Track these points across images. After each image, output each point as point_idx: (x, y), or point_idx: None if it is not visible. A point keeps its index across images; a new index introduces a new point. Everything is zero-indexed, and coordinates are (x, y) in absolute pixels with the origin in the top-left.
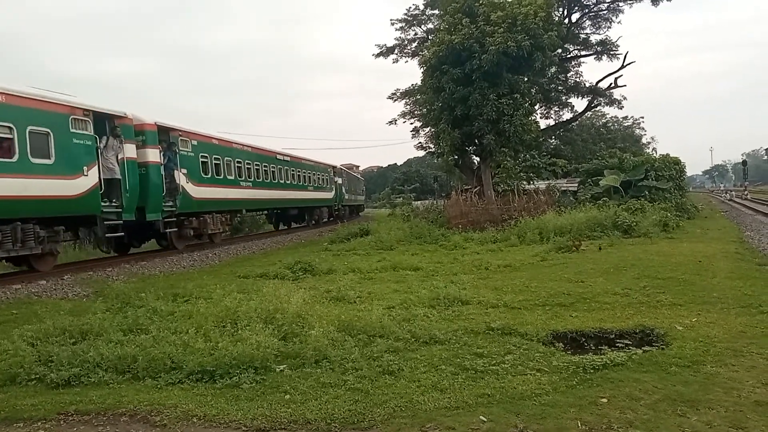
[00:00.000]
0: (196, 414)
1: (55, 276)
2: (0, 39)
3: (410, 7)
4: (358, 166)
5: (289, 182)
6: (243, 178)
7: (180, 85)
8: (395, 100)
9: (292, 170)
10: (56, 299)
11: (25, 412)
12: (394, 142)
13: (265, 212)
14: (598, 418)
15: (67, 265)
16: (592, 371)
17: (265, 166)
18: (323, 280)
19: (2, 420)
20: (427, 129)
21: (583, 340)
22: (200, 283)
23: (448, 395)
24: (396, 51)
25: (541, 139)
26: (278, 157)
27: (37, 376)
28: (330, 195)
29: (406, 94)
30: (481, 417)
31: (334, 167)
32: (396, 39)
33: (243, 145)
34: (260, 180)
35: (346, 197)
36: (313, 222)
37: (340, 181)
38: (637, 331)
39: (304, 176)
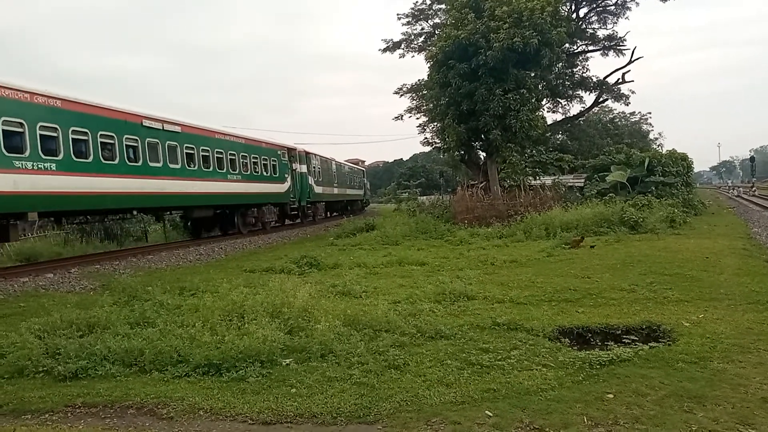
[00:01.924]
0: (203, 407)
1: (62, 269)
2: (6, 35)
3: (417, 2)
4: (364, 161)
5: (180, 167)
6: (28, 155)
7: (183, 82)
8: (401, 96)
9: (190, 148)
10: (63, 292)
11: (33, 405)
12: (400, 137)
13: (126, 215)
14: (604, 414)
15: (74, 259)
16: (598, 367)
17: (106, 138)
18: (329, 275)
19: (10, 412)
20: (434, 124)
21: (590, 335)
22: (207, 277)
23: (453, 390)
24: (402, 46)
25: (547, 135)
26: (146, 123)
27: (45, 368)
28: (281, 188)
29: (413, 89)
30: (486, 412)
31: (290, 149)
32: (402, 34)
33: (24, 92)
34: (88, 160)
35: (318, 190)
36: (256, 226)
37: (303, 169)
38: (644, 327)
39: (222, 159)
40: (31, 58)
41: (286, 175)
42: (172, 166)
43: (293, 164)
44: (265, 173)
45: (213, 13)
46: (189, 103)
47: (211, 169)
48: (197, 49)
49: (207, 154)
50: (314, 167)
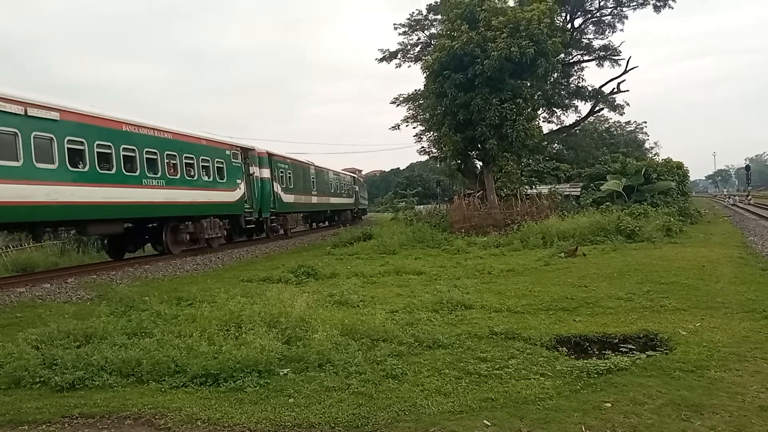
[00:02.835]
0: (200, 417)
1: (59, 279)
2: (7, 41)
3: (413, 12)
4: (361, 170)
5: (58, 167)
6: None
7: (183, 89)
8: (398, 105)
9: (77, 143)
10: (60, 303)
11: (30, 415)
12: (397, 146)
13: None
14: (602, 423)
15: (71, 269)
16: (595, 376)
17: None
18: (326, 284)
19: (7, 423)
20: (430, 133)
21: (587, 344)
22: (204, 287)
23: (451, 399)
24: (399, 56)
25: (544, 144)
26: None
27: (42, 379)
28: (231, 196)
29: (409, 98)
30: (484, 421)
31: (245, 149)
32: (399, 44)
33: None
34: None
35: (288, 199)
36: (198, 243)
37: (266, 174)
38: (641, 335)
39: (134, 158)
40: (30, 64)
41: (239, 181)
42: (42, 166)
43: (251, 168)
44: (205, 177)
45: (215, 19)
46: (189, 110)
47: (114, 171)
48: (200, 56)
49: (107, 151)
50: (282, 172)
